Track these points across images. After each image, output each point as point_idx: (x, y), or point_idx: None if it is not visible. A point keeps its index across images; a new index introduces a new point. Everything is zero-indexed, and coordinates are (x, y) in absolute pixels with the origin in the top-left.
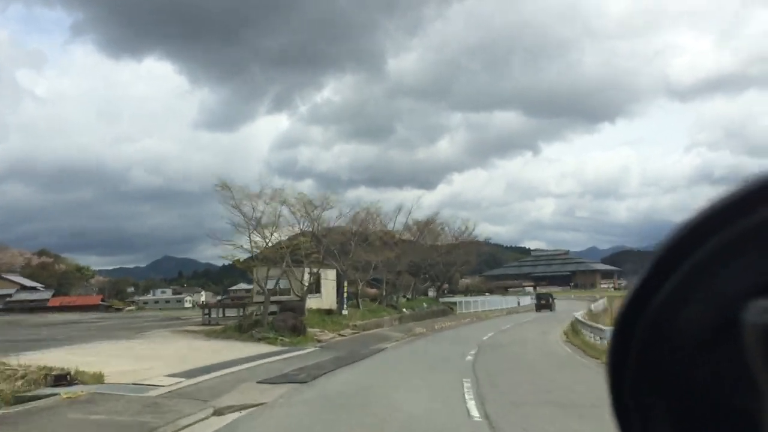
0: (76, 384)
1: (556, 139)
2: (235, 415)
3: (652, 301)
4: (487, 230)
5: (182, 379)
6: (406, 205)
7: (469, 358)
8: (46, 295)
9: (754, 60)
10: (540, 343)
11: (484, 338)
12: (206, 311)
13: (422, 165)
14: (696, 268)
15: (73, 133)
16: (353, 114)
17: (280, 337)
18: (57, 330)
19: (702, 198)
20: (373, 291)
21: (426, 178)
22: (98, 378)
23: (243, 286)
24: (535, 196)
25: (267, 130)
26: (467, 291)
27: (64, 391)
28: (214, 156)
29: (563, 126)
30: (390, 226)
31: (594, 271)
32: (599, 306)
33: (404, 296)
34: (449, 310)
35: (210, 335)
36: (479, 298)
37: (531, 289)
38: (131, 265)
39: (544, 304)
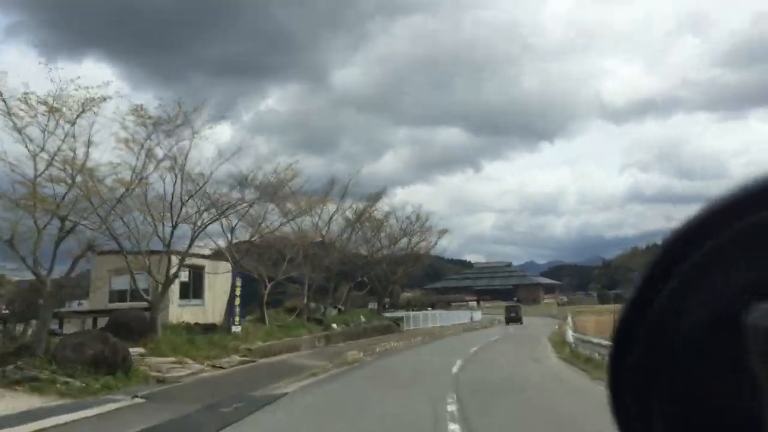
0: None
1: (497, 158)
2: None
3: (652, 302)
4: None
5: None
6: (341, 179)
7: (452, 427)
8: None
9: (680, 85)
10: (545, 375)
11: (454, 370)
12: None
13: (367, 179)
14: (696, 270)
15: None
16: (298, 125)
17: (65, 378)
18: None
19: (633, 216)
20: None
21: (370, 192)
22: None
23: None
24: (475, 211)
25: (210, 139)
26: (409, 305)
27: None
28: None
29: (504, 144)
30: (318, 212)
31: (537, 285)
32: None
33: (335, 307)
34: (394, 326)
35: None
36: (428, 313)
37: (474, 303)
38: None
39: (513, 317)
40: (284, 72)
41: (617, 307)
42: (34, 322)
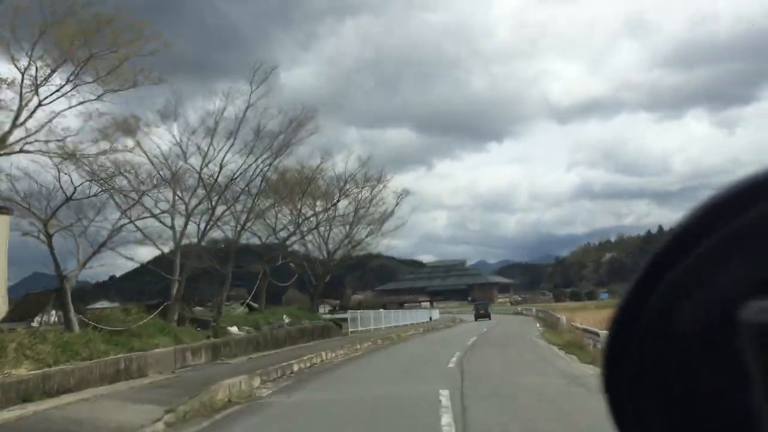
0: None
1: (448, 156)
2: None
3: (649, 299)
4: (380, 243)
5: None
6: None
7: None
8: None
9: (622, 87)
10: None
11: (444, 407)
12: None
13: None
14: (693, 266)
15: None
16: (247, 127)
17: None
18: None
19: (583, 212)
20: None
21: (322, 192)
22: None
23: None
24: (428, 210)
25: (156, 140)
26: (360, 307)
27: None
28: None
29: (454, 143)
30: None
31: (491, 284)
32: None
33: (244, 304)
34: (335, 328)
35: None
36: (381, 312)
37: (428, 304)
38: None
39: (483, 313)
40: (234, 71)
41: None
42: None
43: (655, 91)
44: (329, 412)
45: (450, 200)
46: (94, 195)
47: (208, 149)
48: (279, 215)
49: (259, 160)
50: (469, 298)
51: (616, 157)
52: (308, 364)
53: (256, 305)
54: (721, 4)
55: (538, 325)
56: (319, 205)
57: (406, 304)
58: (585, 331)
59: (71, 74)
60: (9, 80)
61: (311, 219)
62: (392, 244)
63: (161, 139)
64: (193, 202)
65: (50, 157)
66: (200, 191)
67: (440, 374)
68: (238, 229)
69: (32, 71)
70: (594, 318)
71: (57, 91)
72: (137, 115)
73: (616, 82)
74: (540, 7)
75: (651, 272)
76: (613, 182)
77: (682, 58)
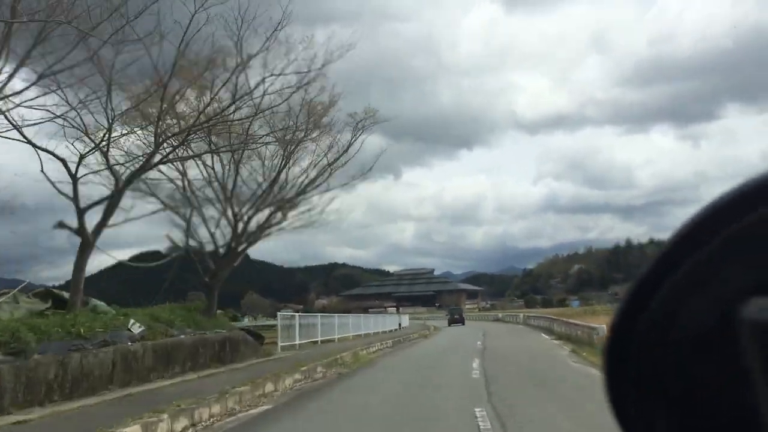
0: None
1: (417, 164)
2: None
3: (651, 299)
4: (346, 254)
5: None
6: None
7: None
8: None
9: (587, 102)
10: None
11: None
12: None
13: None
14: (696, 267)
15: None
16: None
17: None
18: None
19: (549, 226)
20: None
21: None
22: None
23: None
24: (395, 220)
25: None
26: (323, 312)
27: None
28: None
29: (425, 153)
30: None
31: (459, 291)
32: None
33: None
34: (251, 342)
35: None
36: (334, 319)
37: (394, 309)
38: None
39: (457, 318)
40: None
41: None
42: None
43: (618, 106)
44: None
45: (417, 211)
46: None
47: None
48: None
49: None
50: (437, 305)
51: (583, 169)
52: None
53: (65, 295)
54: (684, 23)
55: (547, 337)
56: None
57: (371, 310)
58: None
59: None
60: None
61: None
62: (356, 255)
63: None
64: None
65: None
66: None
67: None
68: None
69: None
70: None
71: None
72: None
73: (582, 95)
74: (509, 20)
75: (654, 273)
76: (579, 195)
77: (643, 75)
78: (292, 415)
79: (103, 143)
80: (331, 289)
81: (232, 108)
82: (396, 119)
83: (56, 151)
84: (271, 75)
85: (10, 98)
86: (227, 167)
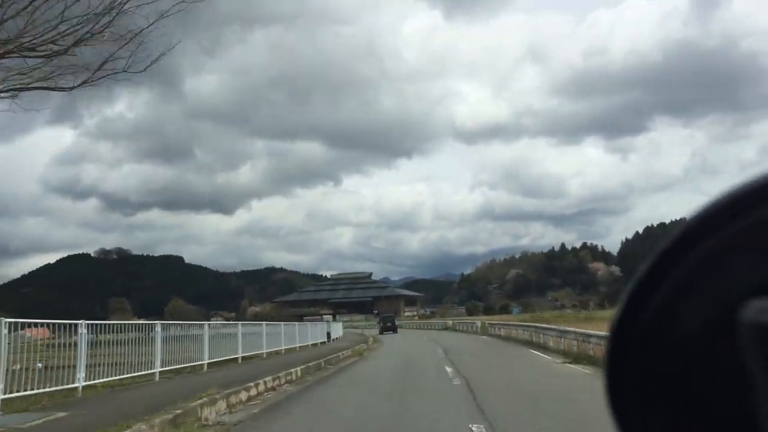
0: None
1: (356, 172)
2: None
3: (649, 301)
4: (285, 259)
5: None
6: None
7: None
8: None
9: (525, 112)
10: None
11: None
12: None
13: (222, 190)
14: (694, 268)
15: None
16: (148, 132)
17: None
18: None
19: (484, 233)
20: None
21: (225, 203)
22: None
23: None
24: (334, 226)
25: (47, 142)
26: (256, 320)
27: None
28: None
29: (364, 160)
30: None
31: (398, 297)
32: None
33: None
34: None
35: None
36: (238, 330)
37: (330, 317)
38: None
39: (389, 326)
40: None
41: None
42: None
43: (553, 118)
44: None
45: (356, 217)
46: None
47: None
48: None
49: None
50: (375, 311)
51: (518, 179)
52: None
53: None
54: (616, 37)
55: (544, 355)
56: None
57: (305, 318)
58: None
59: None
60: None
61: None
62: (294, 260)
63: None
64: None
65: None
66: None
67: None
68: None
69: None
70: None
71: None
72: None
73: (518, 106)
74: (450, 28)
75: (652, 274)
76: (513, 204)
77: (577, 87)
78: None
79: None
80: (268, 294)
81: None
82: (336, 125)
83: None
84: None
85: None
86: None
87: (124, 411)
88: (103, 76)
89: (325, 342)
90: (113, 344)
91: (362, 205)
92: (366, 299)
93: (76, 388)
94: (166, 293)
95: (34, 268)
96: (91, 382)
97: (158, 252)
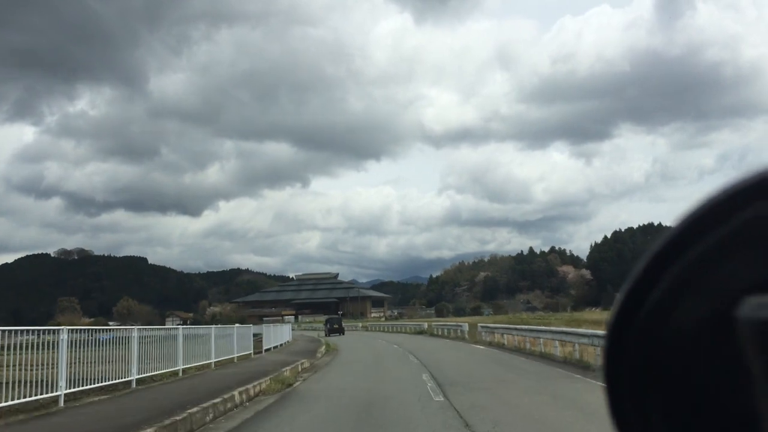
0: None
1: (325, 173)
2: None
3: (647, 298)
4: (252, 261)
5: None
6: None
7: None
8: None
9: (492, 117)
10: None
11: None
12: None
13: (188, 191)
14: (692, 264)
15: None
16: (112, 131)
17: None
18: None
19: (451, 237)
20: None
21: (192, 204)
22: None
23: None
24: (301, 229)
25: (7, 139)
26: (213, 321)
27: None
28: None
29: (332, 161)
30: None
31: (364, 298)
32: None
33: None
34: None
35: None
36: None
37: (292, 318)
38: None
39: (336, 328)
40: (98, 72)
41: None
42: None
43: (520, 123)
44: None
45: (324, 220)
46: None
47: None
48: None
49: None
50: (340, 312)
51: (484, 183)
52: None
53: None
54: (582, 44)
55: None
56: None
57: (266, 318)
58: None
59: None
60: None
61: None
62: (261, 262)
63: None
64: None
65: None
66: None
67: None
68: None
69: None
70: None
71: None
72: None
73: (486, 111)
74: (418, 32)
75: (649, 271)
76: (479, 209)
77: (547, 92)
78: None
79: None
80: (231, 295)
81: None
82: (305, 126)
83: None
84: None
85: None
86: None
87: None
88: None
89: (284, 345)
90: None
91: (330, 208)
92: (331, 300)
93: None
94: (126, 294)
95: None
96: None
97: (123, 254)
